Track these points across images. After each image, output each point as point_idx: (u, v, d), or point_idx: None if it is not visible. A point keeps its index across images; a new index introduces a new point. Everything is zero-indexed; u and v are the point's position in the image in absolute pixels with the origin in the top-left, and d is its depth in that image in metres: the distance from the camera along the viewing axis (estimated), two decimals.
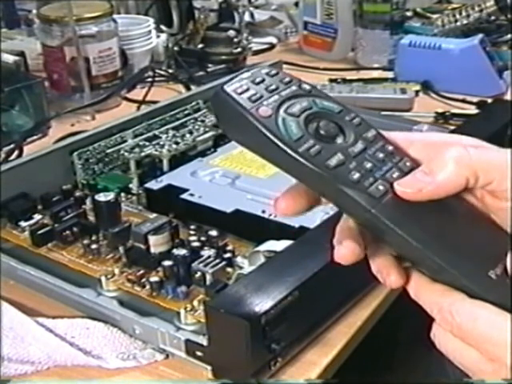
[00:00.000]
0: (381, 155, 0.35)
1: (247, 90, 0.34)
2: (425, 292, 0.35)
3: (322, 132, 0.35)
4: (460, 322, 0.33)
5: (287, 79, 0.36)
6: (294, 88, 0.36)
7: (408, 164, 0.35)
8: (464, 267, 0.34)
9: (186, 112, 0.88)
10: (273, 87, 0.35)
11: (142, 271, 0.61)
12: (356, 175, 0.34)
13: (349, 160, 0.34)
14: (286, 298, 0.50)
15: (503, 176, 0.34)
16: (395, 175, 0.35)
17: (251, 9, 1.42)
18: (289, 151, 0.33)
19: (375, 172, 0.34)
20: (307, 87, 0.36)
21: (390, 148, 0.36)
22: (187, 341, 0.53)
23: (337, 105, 0.36)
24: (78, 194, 0.73)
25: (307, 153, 0.34)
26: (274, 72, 0.36)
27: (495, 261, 0.34)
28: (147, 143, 0.80)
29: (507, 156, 0.34)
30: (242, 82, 0.35)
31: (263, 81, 0.35)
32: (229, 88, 0.34)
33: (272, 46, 1.38)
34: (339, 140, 0.35)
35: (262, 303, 0.49)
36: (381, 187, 0.34)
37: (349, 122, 0.36)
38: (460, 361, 0.34)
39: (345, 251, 0.35)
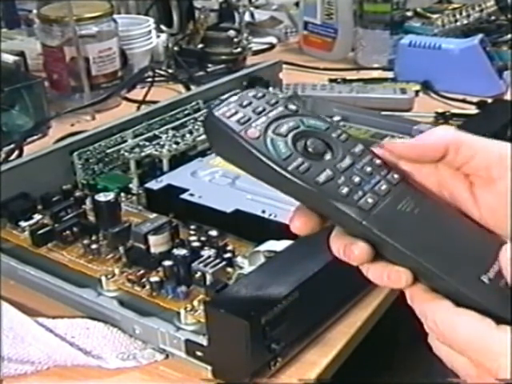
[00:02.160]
0: (369, 169, 0.36)
1: (236, 113, 0.36)
2: (416, 300, 0.36)
3: (309, 149, 0.36)
4: (443, 331, 0.34)
5: (273, 100, 0.37)
6: (280, 109, 0.37)
7: (396, 176, 0.37)
8: (456, 273, 0.34)
9: (186, 112, 0.88)
10: (260, 109, 0.36)
11: (142, 271, 0.61)
12: (345, 189, 0.35)
13: (337, 175, 0.35)
14: (286, 297, 0.50)
15: (489, 161, 0.35)
16: (384, 187, 0.36)
17: (251, 9, 1.42)
18: (278, 170, 0.35)
19: (364, 186, 0.36)
20: (293, 107, 0.37)
21: (378, 161, 0.37)
22: (187, 341, 0.53)
23: (323, 122, 0.37)
24: (77, 193, 0.73)
25: (296, 170, 0.35)
26: (260, 94, 0.37)
27: (487, 265, 0.34)
28: (147, 143, 0.80)
29: (497, 145, 0.36)
30: (230, 106, 0.36)
31: (250, 103, 0.37)
32: (218, 112, 0.36)
33: (272, 46, 1.38)
34: (327, 156, 0.36)
35: (261, 303, 0.49)
36: (370, 200, 0.35)
37: (336, 138, 0.37)
38: (452, 365, 0.35)
39: (361, 250, 0.35)
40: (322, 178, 0.35)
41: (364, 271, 0.36)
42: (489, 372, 0.32)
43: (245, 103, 0.36)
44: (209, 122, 0.36)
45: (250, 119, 0.36)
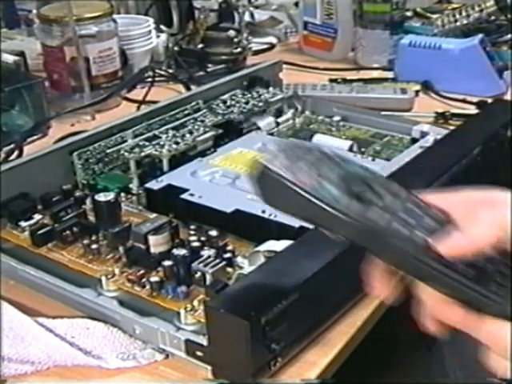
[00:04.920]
0: (416, 210, 0.39)
1: (286, 164, 0.38)
2: (476, 326, 0.38)
3: (359, 194, 0.38)
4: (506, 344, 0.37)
5: (318, 152, 0.40)
6: (325, 159, 0.39)
7: (440, 215, 0.39)
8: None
9: (186, 112, 0.88)
10: (309, 159, 0.39)
11: (142, 271, 0.61)
12: (401, 228, 0.37)
13: (392, 216, 0.38)
14: (286, 297, 0.50)
15: None
16: (432, 225, 0.38)
17: (251, 9, 1.42)
18: (338, 214, 0.37)
19: (415, 225, 0.38)
20: (337, 159, 0.40)
21: (422, 203, 0.40)
22: (187, 341, 0.53)
23: (363, 170, 0.40)
24: (77, 193, 0.73)
25: (354, 212, 0.37)
26: (303, 144, 0.41)
27: None
28: (147, 143, 0.80)
29: None
30: (279, 156, 0.38)
31: (298, 155, 0.39)
32: (269, 164, 0.38)
33: (272, 46, 1.38)
34: (376, 199, 0.38)
35: (261, 303, 0.49)
36: (423, 236, 0.38)
37: (379, 183, 0.39)
38: None
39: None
40: (378, 218, 0.37)
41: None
42: None
43: (291, 154, 0.39)
44: (261, 174, 0.38)
45: (300, 168, 0.38)
